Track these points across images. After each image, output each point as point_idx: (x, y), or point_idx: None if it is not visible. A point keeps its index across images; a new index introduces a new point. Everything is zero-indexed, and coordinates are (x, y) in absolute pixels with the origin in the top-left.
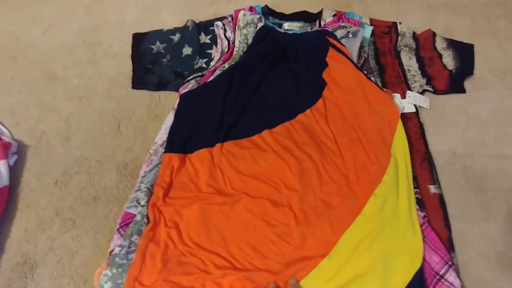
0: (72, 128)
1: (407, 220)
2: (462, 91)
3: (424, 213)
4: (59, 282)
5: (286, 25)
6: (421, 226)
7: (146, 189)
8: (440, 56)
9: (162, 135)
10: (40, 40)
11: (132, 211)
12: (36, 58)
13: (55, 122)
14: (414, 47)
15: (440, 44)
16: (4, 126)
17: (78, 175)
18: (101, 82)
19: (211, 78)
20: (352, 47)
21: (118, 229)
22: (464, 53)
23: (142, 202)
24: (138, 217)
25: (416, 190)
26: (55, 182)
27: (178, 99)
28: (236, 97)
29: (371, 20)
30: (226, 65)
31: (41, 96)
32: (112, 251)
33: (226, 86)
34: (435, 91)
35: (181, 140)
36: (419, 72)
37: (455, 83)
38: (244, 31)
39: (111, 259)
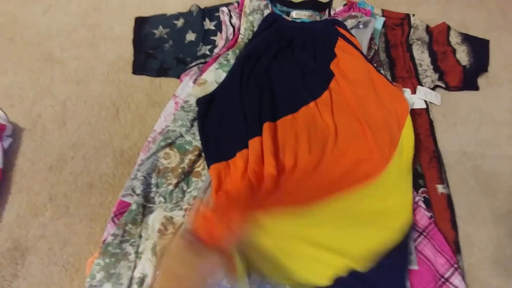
0: (69, 112)
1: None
2: (476, 88)
3: (430, 213)
4: (50, 270)
5: (294, 14)
6: (427, 227)
7: (142, 177)
8: (454, 51)
9: (161, 123)
10: (38, 21)
11: (127, 199)
12: (34, 39)
13: (52, 105)
14: (427, 40)
15: (454, 39)
16: (0, 108)
17: (73, 161)
18: (100, 66)
19: (211, 66)
20: (362, 38)
21: (112, 217)
22: (479, 48)
23: (138, 191)
24: (133, 206)
25: (423, 189)
26: (50, 167)
27: (179, 85)
28: (247, 92)
29: (383, 10)
30: (230, 53)
31: (38, 78)
32: (105, 240)
33: (239, 83)
34: (447, 87)
35: (218, 148)
36: (431, 66)
37: (469, 79)
38: (250, 17)
39: (104, 248)
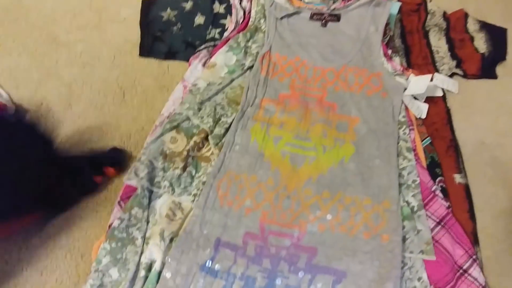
0: (75, 95)
1: None
2: (494, 76)
3: (448, 203)
4: (55, 254)
5: None
6: (444, 217)
7: (147, 161)
8: (472, 38)
9: (169, 107)
10: (43, 3)
11: (131, 183)
12: (39, 21)
13: (57, 87)
14: (444, 27)
15: (472, 26)
16: (3, 89)
17: (79, 144)
18: (107, 49)
19: (221, 49)
20: (378, 21)
21: (118, 201)
22: (497, 37)
23: (141, 174)
24: (139, 190)
25: (440, 178)
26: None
27: (187, 69)
28: None
29: None
30: (240, 35)
31: (43, 61)
32: (111, 224)
33: None
34: (465, 75)
35: None
36: (449, 54)
37: (487, 67)
38: (261, 0)
39: (110, 233)
